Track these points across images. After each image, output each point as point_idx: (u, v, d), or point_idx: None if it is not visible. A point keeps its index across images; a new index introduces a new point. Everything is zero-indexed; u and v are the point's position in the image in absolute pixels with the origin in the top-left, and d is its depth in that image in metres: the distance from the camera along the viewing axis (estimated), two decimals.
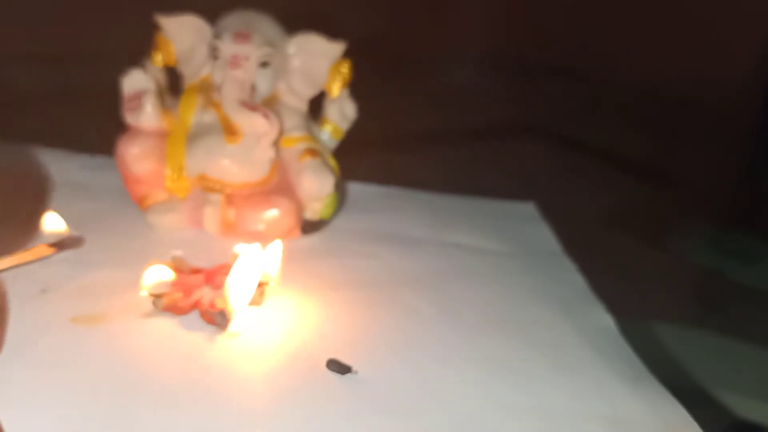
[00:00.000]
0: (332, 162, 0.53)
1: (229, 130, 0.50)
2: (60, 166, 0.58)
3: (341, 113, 0.55)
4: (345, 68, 0.54)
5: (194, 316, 0.41)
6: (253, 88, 0.50)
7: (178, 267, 0.43)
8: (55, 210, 0.51)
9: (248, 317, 0.41)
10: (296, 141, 0.52)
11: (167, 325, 0.40)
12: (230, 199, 0.50)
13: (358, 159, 0.57)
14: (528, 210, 0.66)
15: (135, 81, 0.50)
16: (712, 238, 0.80)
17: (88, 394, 0.34)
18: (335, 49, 0.53)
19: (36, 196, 0.53)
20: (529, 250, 0.57)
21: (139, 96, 0.50)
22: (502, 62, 1.39)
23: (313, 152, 0.51)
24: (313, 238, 0.53)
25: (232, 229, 0.50)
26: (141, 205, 0.51)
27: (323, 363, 0.38)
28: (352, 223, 0.57)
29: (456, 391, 0.38)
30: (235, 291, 0.40)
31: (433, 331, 0.43)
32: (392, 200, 0.63)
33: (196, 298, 0.41)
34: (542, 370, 0.40)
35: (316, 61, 0.53)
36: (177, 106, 0.52)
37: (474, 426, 0.35)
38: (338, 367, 0.38)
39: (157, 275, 0.41)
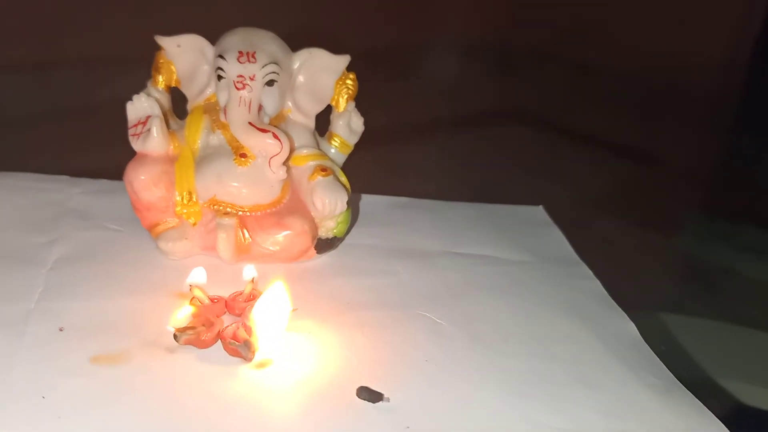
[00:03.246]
0: (343, 178, 0.52)
1: (238, 152, 0.49)
2: (61, 193, 0.57)
3: (349, 127, 0.54)
4: (351, 82, 0.53)
5: (216, 348, 0.40)
6: (260, 108, 0.49)
7: (197, 297, 0.43)
8: (62, 239, 0.50)
9: (273, 347, 0.41)
10: (306, 159, 0.51)
11: (190, 359, 0.39)
12: (243, 222, 0.49)
13: (353, 154, 0.56)
14: (537, 214, 0.65)
15: (139, 106, 0.49)
16: (704, 225, 0.81)
17: None
18: (340, 62, 0.52)
19: (39, 226, 0.52)
20: (543, 258, 0.57)
21: (143, 122, 0.49)
22: (485, 51, 1.40)
23: (324, 169, 0.50)
24: (327, 257, 0.52)
25: (246, 253, 0.49)
26: (152, 232, 0.50)
27: (352, 391, 0.38)
28: (364, 238, 0.56)
29: (489, 415, 0.37)
30: (263, 322, 0.39)
31: (457, 351, 0.43)
32: (400, 210, 0.62)
33: (219, 331, 0.40)
34: (572, 388, 0.40)
35: (322, 76, 0.52)
36: (182, 128, 0.51)
37: None
38: (369, 396, 0.37)
39: (184, 313, 0.40)
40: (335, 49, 0.53)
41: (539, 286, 0.52)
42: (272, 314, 0.40)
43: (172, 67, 0.52)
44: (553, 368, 0.42)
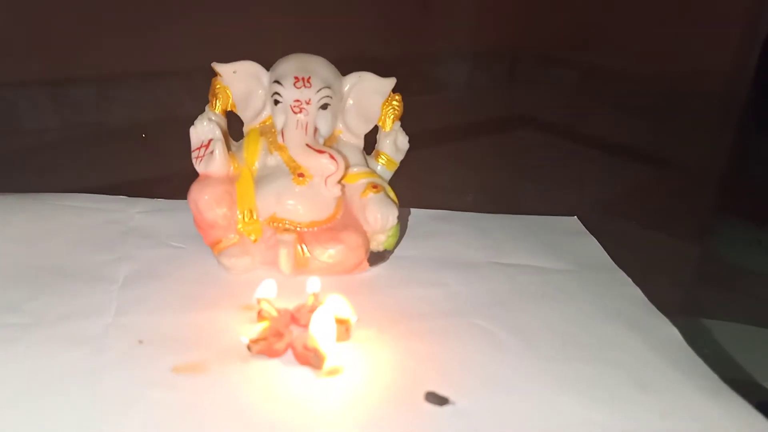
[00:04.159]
0: (391, 194, 0.55)
1: (296, 172, 0.51)
2: (122, 213, 0.60)
3: (394, 146, 0.57)
4: (397, 103, 0.56)
5: (287, 357, 0.43)
6: (315, 130, 0.51)
7: (264, 309, 0.45)
8: (129, 257, 0.53)
9: (340, 355, 0.43)
10: (358, 177, 0.54)
11: (264, 368, 0.42)
12: (301, 238, 0.51)
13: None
14: (573, 224, 0.68)
15: (201, 130, 0.51)
16: (729, 226, 0.83)
17: None
18: (386, 84, 0.55)
19: (106, 245, 0.55)
20: (582, 265, 0.59)
21: (206, 144, 0.51)
22: (493, 57, 1.42)
23: (375, 186, 0.53)
24: (379, 269, 0.55)
25: (305, 266, 0.52)
26: (214, 249, 0.52)
27: (419, 396, 0.40)
28: (411, 251, 0.58)
29: (551, 417, 0.39)
30: (320, 332, 0.41)
31: (513, 358, 0.45)
32: (442, 223, 0.65)
33: (289, 341, 0.43)
34: (627, 391, 0.42)
35: (370, 97, 0.55)
36: (240, 150, 0.54)
37: None
38: (437, 400, 0.40)
39: (259, 325, 0.43)
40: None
41: (582, 294, 0.54)
42: (327, 326, 0.42)
43: (228, 92, 0.54)
44: (607, 372, 0.44)
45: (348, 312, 0.45)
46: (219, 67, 0.54)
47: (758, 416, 0.41)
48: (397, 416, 0.39)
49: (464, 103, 1.23)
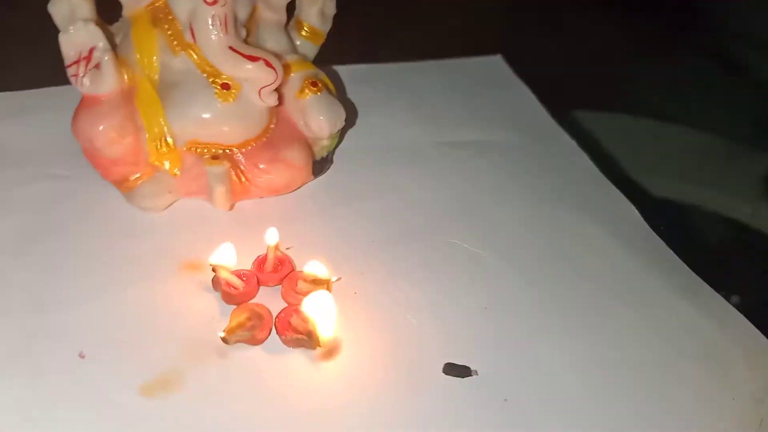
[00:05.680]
0: (330, 85, 0.45)
1: (215, 81, 0.39)
2: None
3: (321, 14, 0.45)
4: None
5: (271, 342, 0.36)
6: (236, 21, 0.39)
7: (226, 279, 0.37)
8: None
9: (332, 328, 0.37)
10: (290, 69, 0.43)
11: (249, 362, 0.35)
12: (235, 163, 0.41)
13: None
14: (496, 64, 0.61)
15: (78, 38, 0.37)
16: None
17: None
18: None
19: None
20: (523, 130, 0.54)
21: (85, 56, 0.37)
22: None
23: (314, 84, 0.43)
24: (320, 184, 0.46)
25: (243, 195, 0.42)
26: (120, 187, 0.41)
27: (432, 365, 0.36)
28: (345, 142, 0.50)
29: (566, 362, 0.37)
30: (320, 313, 0.35)
31: (507, 289, 0.41)
32: (364, 86, 0.55)
33: (269, 321, 0.36)
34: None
35: None
36: (129, 50, 0.40)
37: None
38: (457, 371, 0.36)
39: (237, 320, 0.34)
40: None
41: (537, 178, 0.50)
42: (326, 304, 0.35)
43: None
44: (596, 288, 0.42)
45: (325, 272, 0.37)
46: None
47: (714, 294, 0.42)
48: (414, 392, 0.34)
49: None
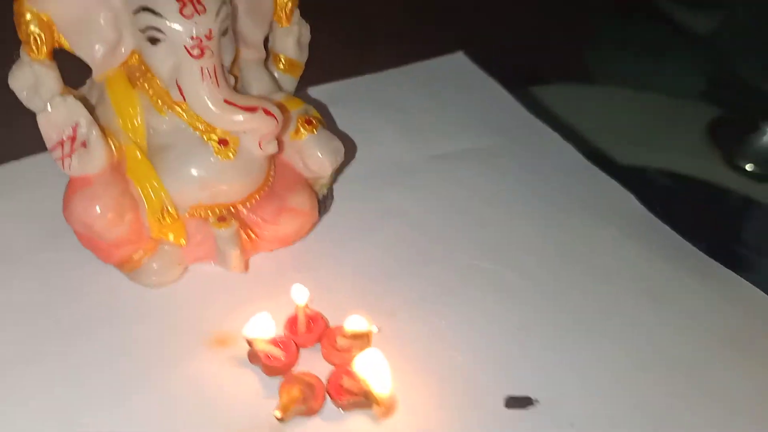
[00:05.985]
0: (320, 118, 0.42)
1: (212, 138, 0.36)
2: None
3: (298, 44, 0.43)
4: None
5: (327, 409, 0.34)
6: (224, 71, 0.36)
7: (265, 351, 0.34)
8: None
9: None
10: (287, 110, 0.40)
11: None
12: (242, 221, 0.38)
13: None
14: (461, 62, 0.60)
15: (60, 117, 0.33)
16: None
17: None
18: None
19: None
20: (509, 132, 0.53)
21: (71, 136, 0.33)
22: None
23: (308, 122, 0.40)
24: (325, 221, 0.44)
25: (254, 249, 0.40)
26: (123, 268, 0.37)
27: (492, 399, 0.35)
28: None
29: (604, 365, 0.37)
30: (373, 376, 0.33)
31: (534, 309, 0.40)
32: (343, 106, 0.53)
33: (322, 390, 0.34)
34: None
35: None
36: (109, 115, 0.36)
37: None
38: (519, 403, 0.35)
39: (289, 396, 0.32)
40: None
41: (531, 180, 0.49)
42: (378, 361, 0.34)
43: (46, 18, 0.35)
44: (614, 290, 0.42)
45: (365, 324, 0.36)
46: None
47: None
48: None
49: None
